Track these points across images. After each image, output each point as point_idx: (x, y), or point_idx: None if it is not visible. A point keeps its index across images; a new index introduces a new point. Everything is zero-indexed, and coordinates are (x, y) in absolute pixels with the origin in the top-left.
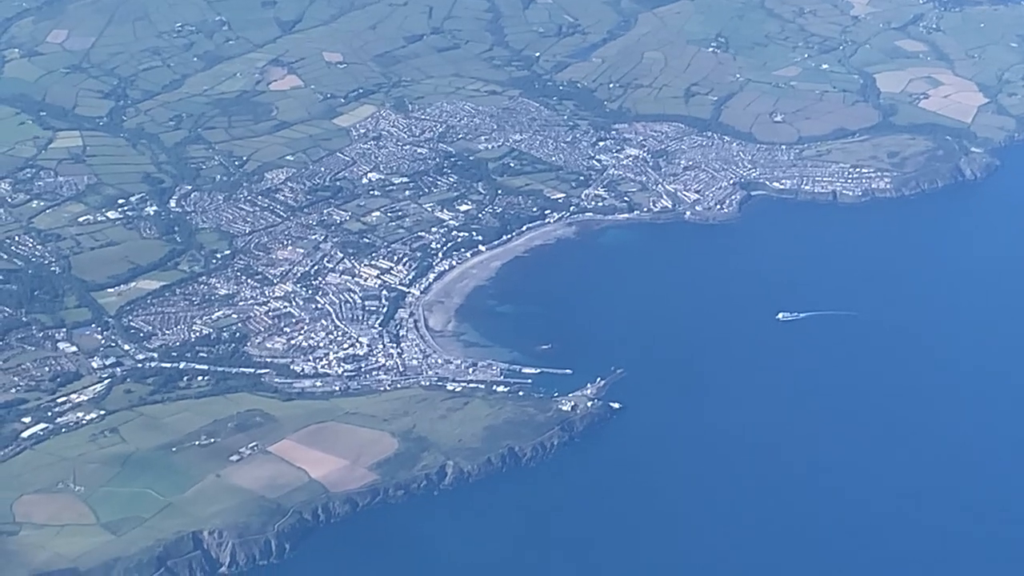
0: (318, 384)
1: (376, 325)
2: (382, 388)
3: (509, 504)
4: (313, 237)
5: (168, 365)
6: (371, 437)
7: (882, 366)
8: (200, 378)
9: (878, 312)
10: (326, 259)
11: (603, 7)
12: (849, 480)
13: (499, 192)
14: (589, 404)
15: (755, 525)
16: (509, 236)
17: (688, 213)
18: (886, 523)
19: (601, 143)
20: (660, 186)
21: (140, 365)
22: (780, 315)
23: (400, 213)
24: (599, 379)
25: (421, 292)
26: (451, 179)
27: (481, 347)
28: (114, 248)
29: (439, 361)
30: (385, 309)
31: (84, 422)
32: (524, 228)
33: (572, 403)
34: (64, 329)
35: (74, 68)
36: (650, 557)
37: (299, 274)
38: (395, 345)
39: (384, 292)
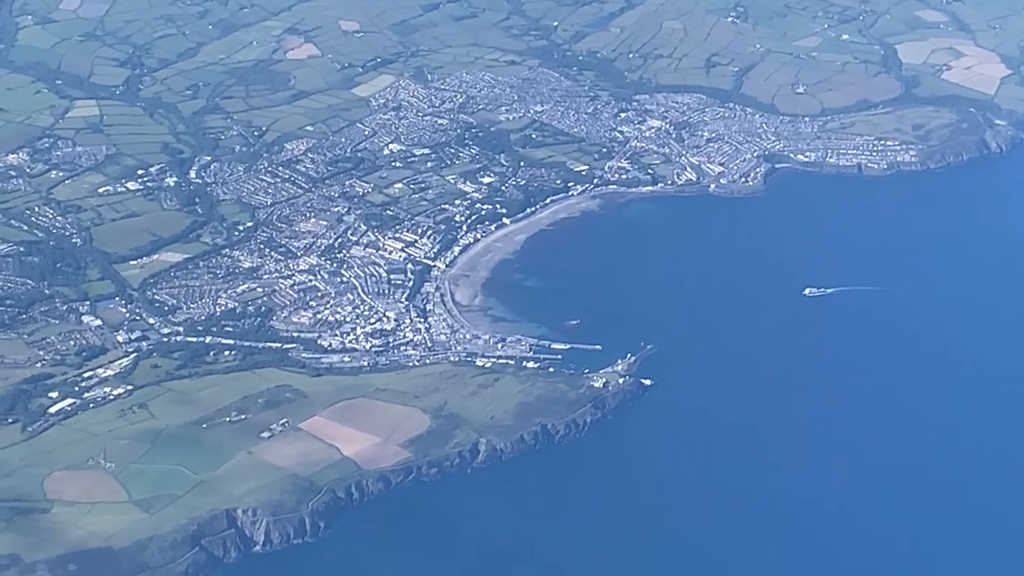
0: (346, 359)
1: (402, 299)
2: (411, 364)
3: (544, 482)
4: (336, 209)
5: (194, 339)
6: (403, 414)
7: (911, 343)
8: (227, 353)
9: (906, 287)
10: (350, 232)
11: None
12: (877, 458)
13: (522, 164)
14: (620, 381)
15: (788, 504)
16: (533, 209)
17: (713, 186)
18: (910, 502)
19: (623, 114)
20: (684, 158)
21: (166, 339)
22: (807, 291)
23: (423, 185)
24: (629, 355)
25: (447, 266)
26: (473, 151)
27: (509, 322)
28: (135, 220)
29: (467, 336)
30: (411, 283)
31: (112, 397)
32: (548, 201)
33: (603, 380)
34: (88, 302)
35: (88, 36)
36: (684, 536)
37: (323, 247)
38: (422, 320)
39: (409, 265)
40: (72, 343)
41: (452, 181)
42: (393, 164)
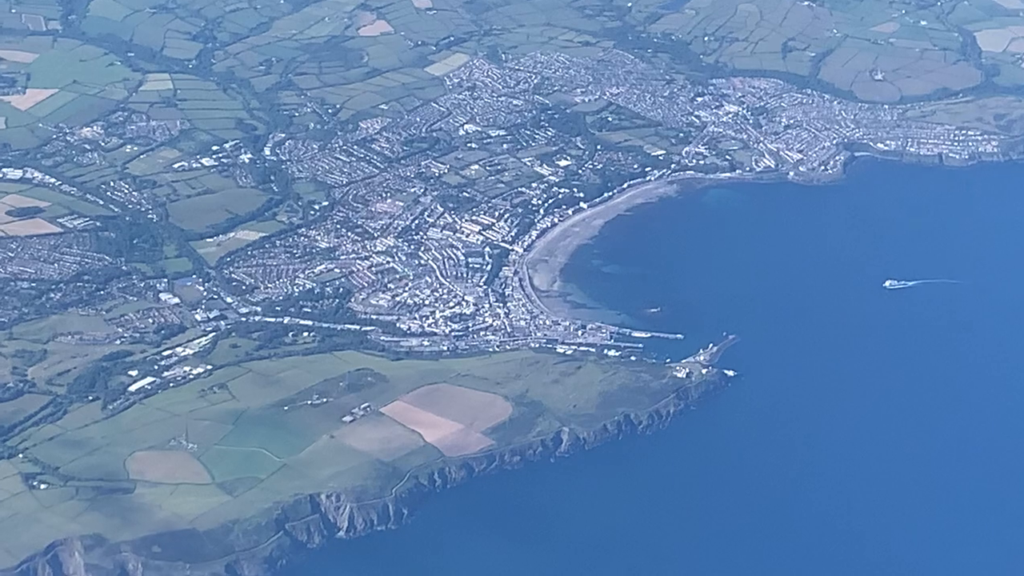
0: (426, 343)
1: (481, 283)
2: (491, 349)
3: (628, 473)
4: (412, 190)
5: (272, 320)
6: (484, 400)
7: (992, 336)
8: (306, 334)
9: (988, 281)
10: (426, 213)
11: None
12: (961, 452)
13: (598, 147)
14: (703, 371)
15: (870, 492)
16: (610, 193)
17: (791, 173)
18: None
19: (699, 99)
20: (762, 145)
21: (244, 319)
22: (887, 283)
23: (499, 167)
24: (711, 345)
25: (524, 250)
26: (548, 133)
27: (589, 308)
28: (211, 196)
29: (547, 322)
30: (489, 267)
31: (191, 376)
32: (625, 185)
33: (687, 370)
34: (165, 279)
35: (160, 8)
36: (767, 527)
37: (400, 228)
38: (502, 304)
39: (487, 249)
40: (151, 320)
41: (528, 163)
42: (469, 145)
